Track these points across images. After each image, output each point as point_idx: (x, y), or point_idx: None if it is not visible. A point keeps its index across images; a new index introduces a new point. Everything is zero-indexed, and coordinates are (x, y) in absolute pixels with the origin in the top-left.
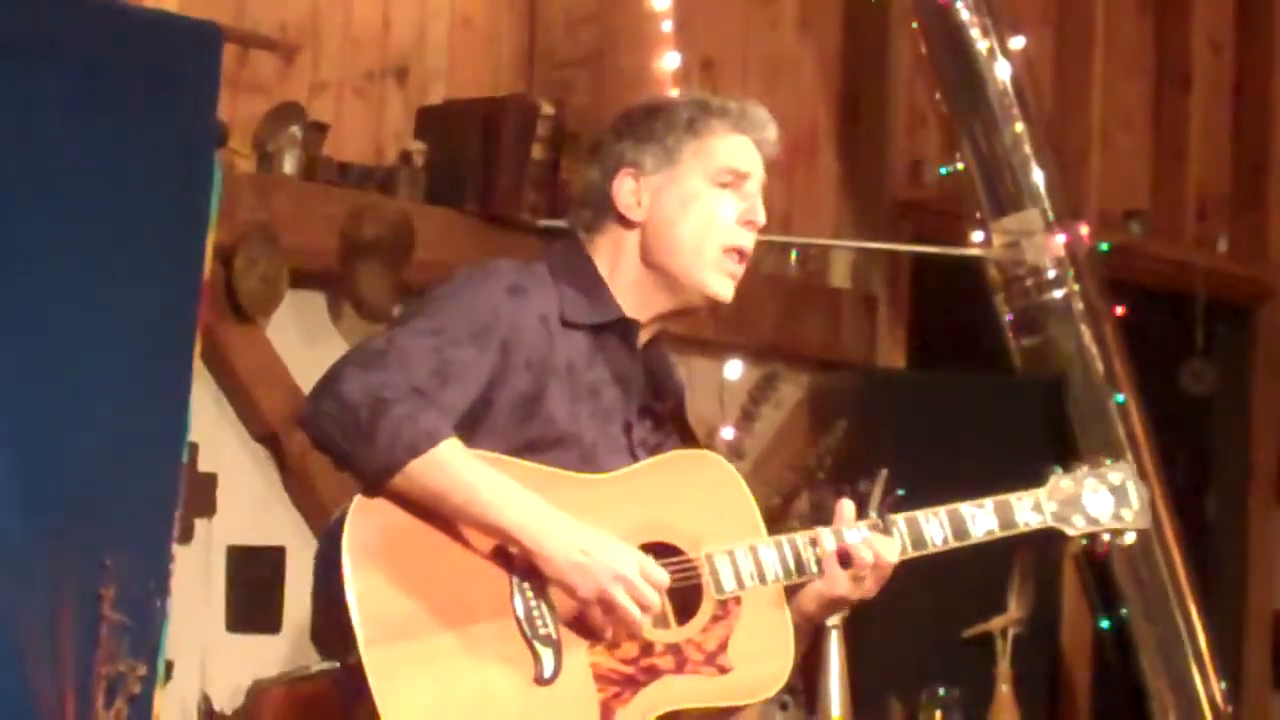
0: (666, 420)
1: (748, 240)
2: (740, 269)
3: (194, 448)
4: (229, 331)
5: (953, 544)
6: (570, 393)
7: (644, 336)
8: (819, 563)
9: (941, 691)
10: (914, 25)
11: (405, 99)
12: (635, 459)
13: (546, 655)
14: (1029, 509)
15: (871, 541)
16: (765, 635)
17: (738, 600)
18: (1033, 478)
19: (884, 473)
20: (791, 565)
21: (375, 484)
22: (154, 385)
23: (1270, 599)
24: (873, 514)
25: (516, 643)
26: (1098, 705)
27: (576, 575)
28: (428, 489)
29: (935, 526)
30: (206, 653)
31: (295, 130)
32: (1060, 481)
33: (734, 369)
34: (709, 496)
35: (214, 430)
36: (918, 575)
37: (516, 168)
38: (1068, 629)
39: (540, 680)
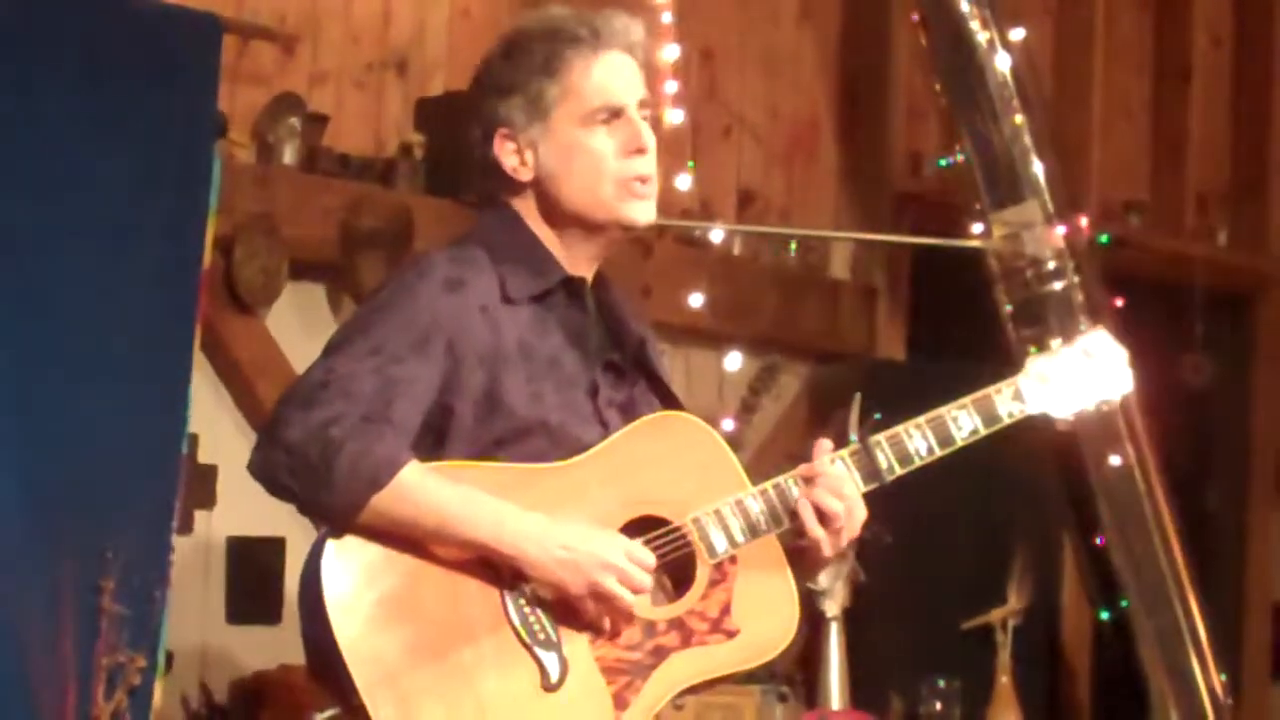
0: (629, 370)
1: (642, 166)
2: (649, 190)
3: (194, 439)
4: (229, 322)
5: (939, 453)
6: (528, 374)
7: (602, 256)
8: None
9: (941, 683)
10: (914, 17)
11: (405, 90)
12: (604, 423)
13: (550, 659)
14: (1010, 399)
15: (831, 483)
16: (767, 588)
17: (733, 559)
18: (1033, 470)
19: (858, 396)
20: (781, 511)
21: (343, 525)
22: (154, 376)
23: (1269, 590)
24: (853, 439)
25: (517, 653)
26: (1097, 697)
27: (564, 573)
28: (396, 519)
29: (919, 439)
30: (206, 644)
31: (295, 121)
32: (1037, 364)
33: (733, 360)
34: (686, 458)
35: (214, 421)
36: (919, 567)
37: None
38: (1067, 620)
39: (547, 687)
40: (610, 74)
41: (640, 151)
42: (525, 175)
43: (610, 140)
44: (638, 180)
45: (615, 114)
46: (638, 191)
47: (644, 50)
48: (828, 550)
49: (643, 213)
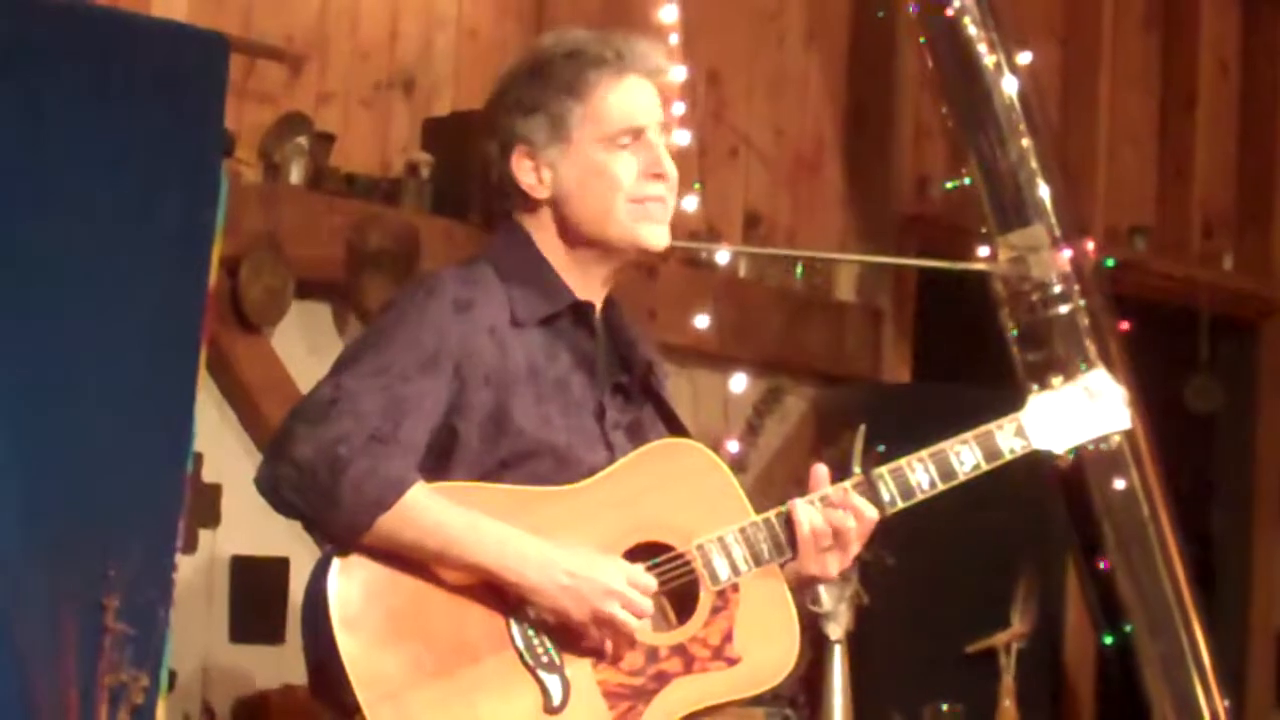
0: (637, 393)
1: (658, 189)
2: (664, 212)
3: (198, 458)
4: (234, 341)
5: (940, 487)
6: (536, 395)
7: (597, 309)
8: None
9: (944, 707)
10: (920, 40)
11: (411, 110)
12: (610, 445)
13: (552, 683)
14: (1012, 435)
15: (832, 515)
16: (768, 616)
17: (735, 587)
18: (1037, 493)
19: (862, 428)
20: (785, 540)
21: (347, 543)
22: (159, 395)
23: (1273, 615)
24: (856, 470)
25: (520, 675)
26: None
27: (567, 600)
28: (401, 540)
29: (921, 472)
30: (209, 663)
31: (302, 141)
32: (1039, 401)
33: (739, 382)
34: (691, 485)
35: (218, 440)
36: (922, 590)
37: None
38: (1071, 645)
39: (550, 709)
40: (633, 97)
41: (659, 176)
42: (542, 194)
43: (630, 163)
44: (653, 202)
45: (636, 136)
46: (652, 214)
47: (665, 76)
48: (814, 569)
49: (656, 236)
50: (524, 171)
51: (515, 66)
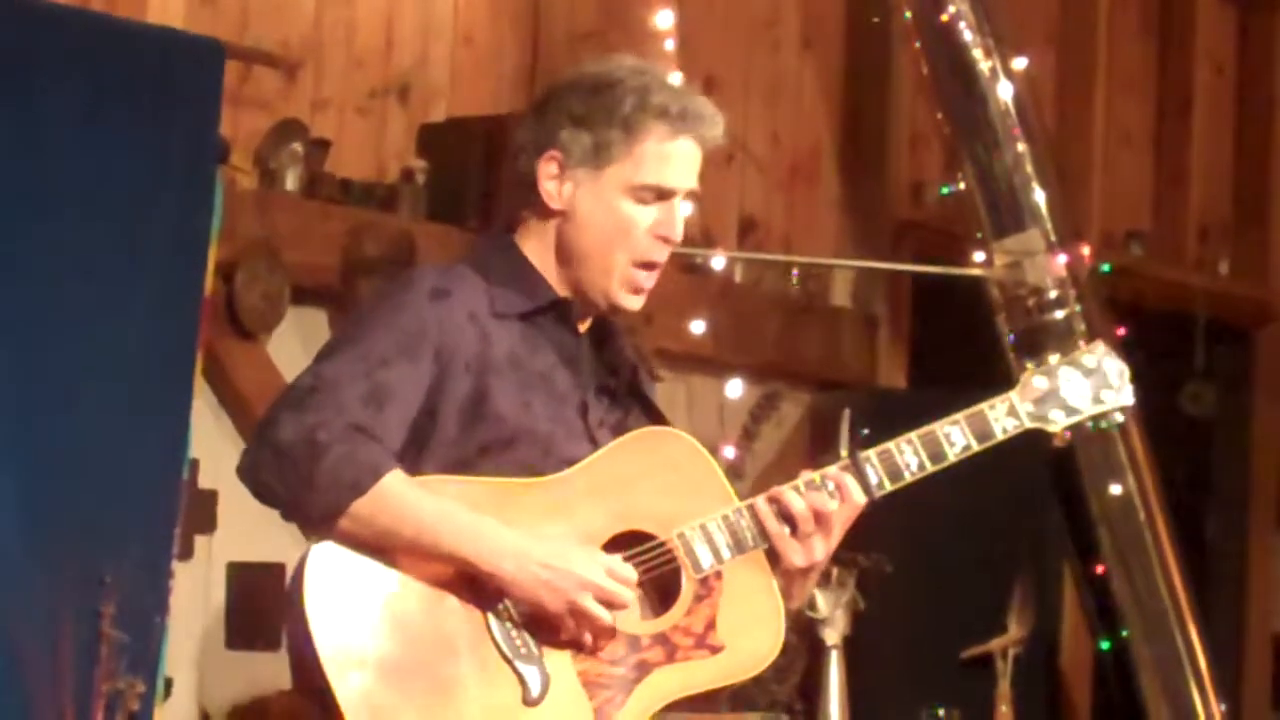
0: (623, 396)
1: (660, 254)
2: (650, 281)
3: (195, 464)
4: (230, 348)
5: (930, 469)
6: (517, 384)
7: (584, 316)
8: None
9: (941, 712)
10: (916, 45)
11: (407, 116)
12: (594, 441)
13: (531, 674)
14: (1004, 414)
15: (808, 497)
16: (752, 604)
17: (719, 575)
18: (1034, 498)
19: (847, 412)
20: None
21: (322, 529)
22: (155, 401)
23: (1270, 620)
24: (843, 454)
25: (498, 666)
26: None
27: (542, 592)
28: (376, 527)
29: (910, 454)
30: (206, 670)
31: (297, 147)
32: (1033, 379)
33: (735, 388)
34: (672, 473)
35: (215, 447)
36: (919, 595)
37: None
38: (1068, 650)
39: (529, 701)
40: (678, 159)
41: (667, 241)
42: (555, 204)
43: (647, 216)
44: (647, 268)
45: (662, 196)
46: (641, 281)
47: (712, 143)
48: (798, 560)
49: (633, 304)
50: (547, 176)
51: (584, 75)
